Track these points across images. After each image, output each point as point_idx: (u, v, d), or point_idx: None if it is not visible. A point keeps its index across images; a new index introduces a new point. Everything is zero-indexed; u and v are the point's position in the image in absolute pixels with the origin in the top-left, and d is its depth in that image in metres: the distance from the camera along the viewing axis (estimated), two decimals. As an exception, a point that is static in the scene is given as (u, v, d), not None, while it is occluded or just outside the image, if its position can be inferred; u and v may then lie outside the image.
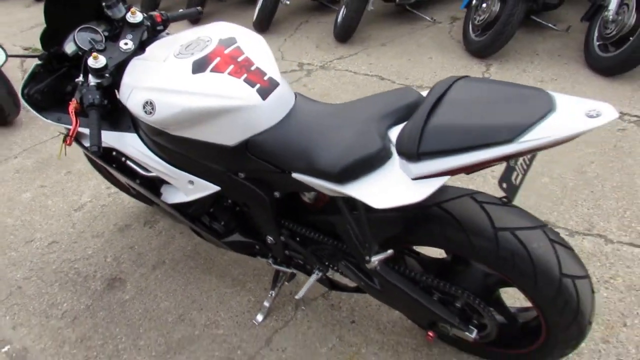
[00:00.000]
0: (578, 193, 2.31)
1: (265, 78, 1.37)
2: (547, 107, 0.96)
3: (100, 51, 1.53)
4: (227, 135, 1.36)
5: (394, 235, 1.34)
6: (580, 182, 2.37)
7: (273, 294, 1.85)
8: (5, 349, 1.85)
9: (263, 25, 4.56)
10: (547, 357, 1.42)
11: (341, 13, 4.11)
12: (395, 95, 1.31)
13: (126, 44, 1.58)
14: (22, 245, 2.34)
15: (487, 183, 2.42)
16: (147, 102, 1.37)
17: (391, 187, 1.12)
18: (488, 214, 1.24)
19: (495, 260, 1.23)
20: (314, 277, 1.59)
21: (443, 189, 1.33)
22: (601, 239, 2.05)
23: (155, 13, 1.74)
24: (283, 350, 1.74)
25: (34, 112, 1.68)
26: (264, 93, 1.34)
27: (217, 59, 1.38)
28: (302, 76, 3.72)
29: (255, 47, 1.45)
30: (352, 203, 1.26)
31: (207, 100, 1.31)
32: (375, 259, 1.30)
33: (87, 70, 1.51)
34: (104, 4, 1.60)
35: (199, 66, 1.36)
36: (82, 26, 1.58)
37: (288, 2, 4.55)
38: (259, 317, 1.85)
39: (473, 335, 1.41)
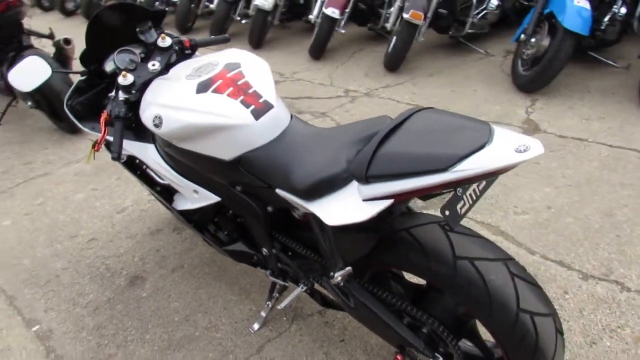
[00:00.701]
0: (602, 236, 2.22)
1: (261, 100, 1.49)
2: (483, 140, 1.00)
3: (130, 70, 1.72)
4: (223, 150, 1.50)
5: (365, 255, 1.40)
6: (606, 225, 2.28)
7: (269, 305, 1.94)
8: (35, 328, 2.07)
9: (317, 53, 4.75)
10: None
11: (392, 42, 4.22)
12: (372, 122, 1.38)
13: (154, 65, 1.77)
14: (67, 239, 2.60)
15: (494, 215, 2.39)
16: (156, 117, 1.54)
17: (345, 207, 1.19)
18: (451, 242, 1.27)
19: (451, 287, 1.25)
20: (298, 290, 1.67)
21: (415, 216, 1.37)
22: (617, 286, 1.96)
23: (184, 39, 1.93)
24: (271, 359, 1.82)
25: (74, 120, 1.91)
26: (258, 114, 1.46)
27: (219, 82, 1.52)
28: (346, 102, 3.84)
29: (256, 72, 1.59)
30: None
31: (206, 118, 1.45)
32: (338, 275, 1.36)
33: (118, 87, 1.72)
34: (137, 29, 1.81)
35: (203, 87, 1.52)
36: (121, 48, 1.79)
37: (343, 31, 4.72)
38: (255, 326, 1.94)
39: None
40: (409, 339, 1.43)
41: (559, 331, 1.26)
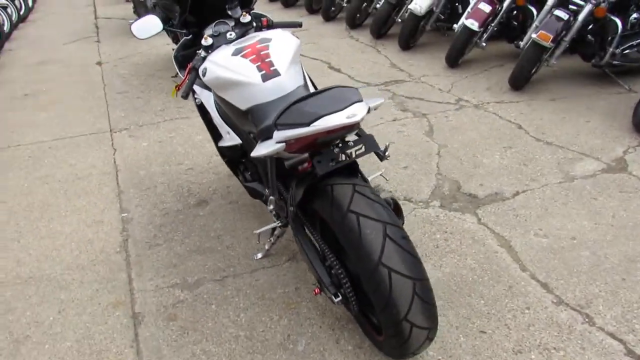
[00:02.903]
0: (606, 275, 2.15)
1: (272, 68, 1.94)
2: (340, 107, 1.32)
3: (214, 36, 2.31)
4: (240, 100, 1.98)
5: (303, 201, 1.76)
6: (620, 268, 2.18)
7: (271, 241, 2.38)
8: (124, 214, 2.84)
9: (452, 61, 4.90)
10: (387, 352, 1.65)
11: (518, 61, 4.18)
12: (340, 91, 1.69)
13: (231, 34, 2.33)
14: (174, 164, 3.38)
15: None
16: (204, 68, 2.09)
17: (262, 146, 1.58)
18: (351, 200, 1.56)
19: (340, 233, 1.55)
20: (274, 224, 2.09)
21: (343, 176, 1.67)
22: (583, 318, 1.94)
23: (264, 18, 2.45)
24: (257, 280, 2.27)
25: (176, 66, 2.58)
26: (266, 77, 1.91)
27: (249, 50, 2.00)
28: (451, 109, 4.00)
29: (281, 47, 2.02)
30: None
31: (229, 73, 1.96)
32: (270, 202, 1.76)
33: (200, 46, 2.32)
34: (226, 6, 2.38)
35: (237, 52, 2.02)
36: (219, 20, 2.39)
37: (484, 44, 4.78)
38: (259, 255, 2.41)
39: (336, 300, 1.71)
40: (321, 276, 1.75)
41: (419, 295, 1.46)
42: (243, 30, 2.33)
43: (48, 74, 5.47)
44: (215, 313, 2.10)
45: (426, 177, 3.03)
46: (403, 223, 1.99)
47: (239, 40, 2.13)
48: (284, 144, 1.49)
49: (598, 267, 2.20)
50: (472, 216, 2.62)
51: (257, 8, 2.70)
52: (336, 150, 1.54)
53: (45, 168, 3.39)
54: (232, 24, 2.35)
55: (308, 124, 1.37)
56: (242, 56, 1.98)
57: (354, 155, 1.57)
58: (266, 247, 2.41)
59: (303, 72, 2.16)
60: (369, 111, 1.52)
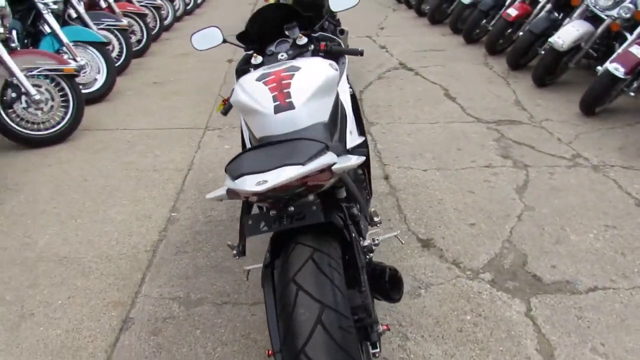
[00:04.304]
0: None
1: (287, 100, 1.79)
2: (269, 166, 1.16)
3: (268, 55, 2.24)
4: (254, 128, 1.88)
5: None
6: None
7: None
8: (173, 214, 2.92)
9: (586, 108, 4.20)
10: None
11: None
12: (303, 144, 1.50)
13: (282, 55, 2.23)
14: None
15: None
16: (233, 88, 2.02)
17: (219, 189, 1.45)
18: (301, 267, 1.35)
19: (278, 299, 1.37)
20: None
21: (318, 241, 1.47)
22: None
23: (322, 43, 2.30)
24: (252, 314, 2.15)
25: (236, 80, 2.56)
26: (278, 109, 1.78)
27: (272, 77, 1.88)
28: (561, 165, 3.41)
29: (306, 79, 1.86)
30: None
31: (246, 98, 1.86)
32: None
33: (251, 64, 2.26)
34: (285, 26, 2.28)
35: (261, 77, 1.91)
36: (281, 39, 2.32)
37: (632, 94, 4.02)
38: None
39: None
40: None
41: (321, 323, 1.21)
42: (297, 52, 2.23)
43: (183, 66, 5.96)
44: (196, 340, 2.02)
45: (491, 241, 2.60)
46: (399, 299, 1.72)
47: (272, 65, 2.02)
48: (224, 192, 1.35)
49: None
50: (522, 303, 2.16)
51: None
52: (272, 213, 1.35)
53: (133, 155, 3.66)
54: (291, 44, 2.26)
55: (233, 180, 1.22)
56: (264, 82, 1.87)
57: (291, 223, 1.36)
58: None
59: (336, 108, 1.98)
60: (330, 171, 1.31)
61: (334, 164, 1.33)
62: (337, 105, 2.03)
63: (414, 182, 3.18)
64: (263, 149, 1.38)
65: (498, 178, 3.24)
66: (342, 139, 2.04)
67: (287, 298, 1.31)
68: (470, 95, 4.81)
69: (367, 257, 1.78)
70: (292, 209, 1.36)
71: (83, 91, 4.49)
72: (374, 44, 6.91)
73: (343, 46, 2.33)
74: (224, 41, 2.43)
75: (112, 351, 1.97)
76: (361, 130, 2.32)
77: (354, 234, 1.62)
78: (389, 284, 1.67)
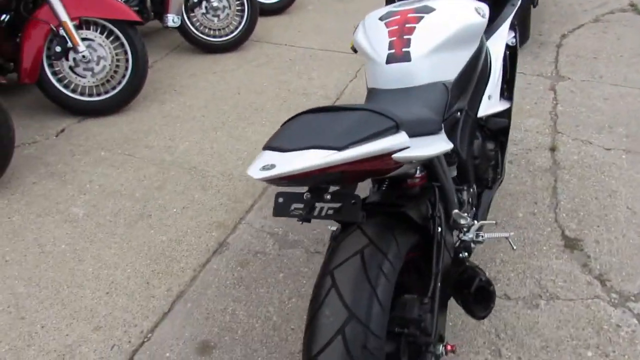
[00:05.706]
0: None
1: (404, 50, 1.48)
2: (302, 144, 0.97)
3: None
4: (367, 76, 1.63)
5: None
6: None
7: None
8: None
9: None
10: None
11: None
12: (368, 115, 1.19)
13: None
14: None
15: None
16: (357, 25, 1.75)
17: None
18: (344, 261, 1.13)
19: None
20: None
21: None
22: None
23: None
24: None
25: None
26: (391, 59, 1.49)
27: (397, 17, 1.56)
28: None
29: (437, 25, 1.50)
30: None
31: (362, 40, 1.61)
32: None
33: None
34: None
35: (385, 16, 1.60)
36: None
37: None
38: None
39: None
40: None
41: (343, 334, 1.03)
42: None
43: None
44: (277, 283, 1.96)
45: (668, 264, 1.98)
46: (483, 318, 1.41)
47: (406, 1, 1.67)
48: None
49: None
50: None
51: None
52: (307, 195, 1.11)
53: (290, 74, 3.61)
54: None
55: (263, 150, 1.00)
56: (386, 24, 1.56)
57: (323, 214, 1.10)
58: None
59: (473, 66, 1.60)
60: (391, 159, 1.01)
61: (397, 150, 1.03)
62: (477, 62, 1.63)
63: (588, 161, 2.55)
64: (318, 114, 1.14)
65: None
66: (473, 105, 1.65)
67: (319, 289, 1.12)
68: None
69: (463, 254, 1.47)
70: (329, 196, 1.11)
71: (265, 1, 4.56)
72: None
73: None
74: None
75: (200, 272, 2.04)
76: (509, 94, 1.86)
77: (440, 229, 1.31)
78: (473, 297, 1.35)
